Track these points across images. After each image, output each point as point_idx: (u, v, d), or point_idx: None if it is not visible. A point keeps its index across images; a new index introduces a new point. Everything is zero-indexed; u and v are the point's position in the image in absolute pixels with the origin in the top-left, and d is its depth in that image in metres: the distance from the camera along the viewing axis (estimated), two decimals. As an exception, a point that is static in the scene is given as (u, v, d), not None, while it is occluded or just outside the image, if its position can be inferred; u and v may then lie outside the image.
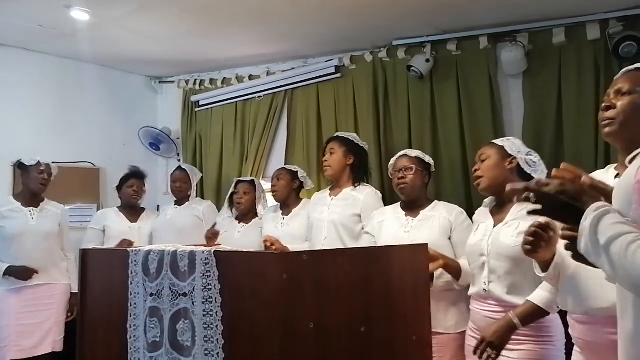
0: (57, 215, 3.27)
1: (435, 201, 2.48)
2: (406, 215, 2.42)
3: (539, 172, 2.04)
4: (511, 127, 3.04)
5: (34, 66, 3.87)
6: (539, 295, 1.76)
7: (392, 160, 2.53)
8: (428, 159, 2.50)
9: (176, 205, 3.55)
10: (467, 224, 2.31)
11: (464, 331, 2.17)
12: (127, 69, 4.40)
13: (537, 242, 1.49)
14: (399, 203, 2.52)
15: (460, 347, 2.18)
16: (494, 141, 2.14)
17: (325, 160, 2.84)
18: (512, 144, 2.08)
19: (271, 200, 3.39)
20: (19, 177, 3.37)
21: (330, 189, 2.90)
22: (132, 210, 3.52)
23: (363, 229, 2.68)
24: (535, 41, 2.97)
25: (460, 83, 3.16)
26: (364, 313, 1.36)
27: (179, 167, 3.62)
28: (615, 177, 1.50)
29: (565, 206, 1.01)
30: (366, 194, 2.74)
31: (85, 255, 1.94)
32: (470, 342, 2.01)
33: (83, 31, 3.38)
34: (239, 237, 3.14)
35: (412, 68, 3.20)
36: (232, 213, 3.36)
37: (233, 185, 3.36)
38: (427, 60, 3.18)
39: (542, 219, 1.46)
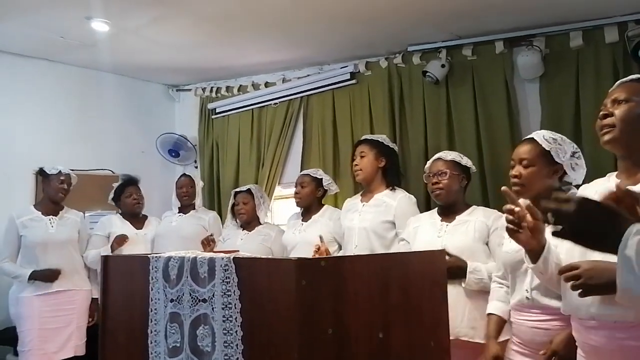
0: (77, 223, 3.33)
1: (474, 206, 2.39)
2: (442, 220, 2.35)
3: (580, 174, 1.88)
4: (528, 132, 2.97)
5: (55, 76, 3.96)
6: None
7: (428, 164, 2.45)
8: (465, 161, 2.39)
9: (181, 213, 3.56)
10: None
11: (504, 340, 2.02)
12: (145, 78, 4.48)
13: (517, 223, 1.46)
14: (436, 209, 2.45)
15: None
16: (536, 139, 1.87)
17: (357, 165, 2.76)
18: (559, 147, 1.83)
19: (285, 205, 3.39)
20: (40, 185, 3.44)
21: (361, 195, 2.84)
22: (136, 218, 3.54)
23: (397, 235, 2.61)
24: (552, 45, 2.96)
25: (476, 88, 3.15)
26: (382, 319, 1.36)
27: (183, 174, 3.66)
28: None
29: (587, 228, 0.89)
30: (399, 200, 2.66)
31: (106, 261, 1.97)
32: (514, 357, 1.88)
33: (103, 42, 3.46)
34: (241, 244, 3.13)
35: (428, 74, 3.20)
36: (236, 223, 3.36)
37: (232, 196, 3.36)
38: (443, 66, 3.18)
39: (517, 207, 1.46)
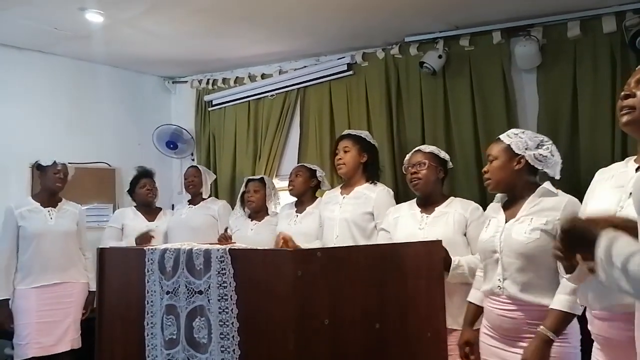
0: (75, 215, 3.32)
1: (451, 197, 2.46)
2: (421, 212, 2.41)
3: (552, 164, 1.96)
4: (525, 122, 3.01)
5: (49, 68, 3.93)
6: (562, 300, 1.71)
7: (407, 157, 2.52)
8: (443, 154, 2.47)
9: (190, 205, 3.59)
10: (482, 219, 2.25)
11: (478, 328, 2.14)
12: (140, 70, 4.44)
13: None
14: (414, 200, 2.51)
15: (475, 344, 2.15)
16: (501, 137, 2.04)
17: (340, 159, 2.81)
18: (520, 140, 1.97)
19: (284, 196, 3.40)
20: (37, 178, 3.42)
21: (341, 187, 2.90)
22: (150, 210, 3.58)
23: (376, 227, 2.68)
24: (549, 35, 2.94)
25: (474, 79, 3.14)
26: (378, 309, 1.37)
27: (192, 166, 3.70)
28: (637, 169, 1.47)
29: (582, 242, 1.00)
30: (378, 192, 2.73)
31: (102, 254, 1.97)
32: (485, 340, 1.99)
33: (97, 33, 3.42)
34: (252, 235, 3.16)
35: (425, 64, 3.19)
36: (244, 212, 3.38)
37: (244, 184, 3.39)
38: (440, 56, 3.16)
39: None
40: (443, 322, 1.56)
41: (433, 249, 1.64)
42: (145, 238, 3.24)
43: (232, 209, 3.61)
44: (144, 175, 3.58)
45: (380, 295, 1.38)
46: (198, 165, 3.69)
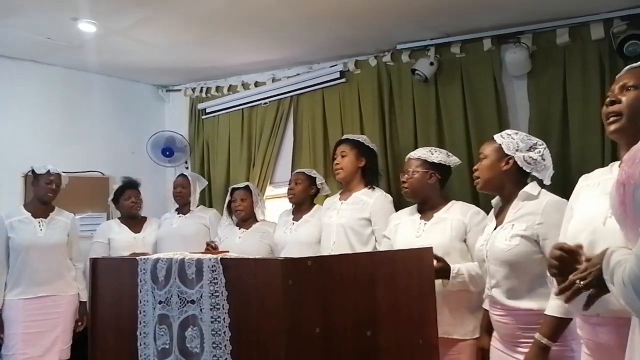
0: (67, 225, 3.30)
1: (452, 201, 2.41)
2: (421, 218, 2.38)
3: (542, 168, 1.95)
4: (517, 128, 3.00)
5: (42, 78, 3.93)
6: (555, 306, 1.69)
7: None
8: (436, 157, 2.40)
9: (180, 214, 3.57)
10: (483, 224, 2.20)
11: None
12: (134, 78, 4.45)
13: (562, 268, 1.34)
14: (415, 205, 2.48)
15: (478, 353, 2.17)
16: (495, 137, 2.05)
17: (337, 164, 2.80)
18: (511, 141, 1.97)
19: (275, 204, 3.39)
20: (29, 187, 3.41)
21: (340, 193, 2.89)
22: (134, 221, 3.54)
23: (373, 232, 2.67)
24: (539, 42, 2.97)
25: (465, 85, 3.16)
26: (369, 317, 1.37)
27: (181, 174, 3.67)
28: None
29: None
30: (376, 198, 2.72)
31: (95, 265, 1.96)
32: (494, 344, 1.99)
33: (90, 42, 3.43)
34: (239, 243, 3.14)
35: (417, 71, 3.21)
36: (232, 220, 3.36)
37: (229, 193, 3.36)
38: (431, 64, 3.19)
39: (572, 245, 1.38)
40: (435, 329, 1.57)
41: (424, 256, 1.65)
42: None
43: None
44: (129, 186, 3.54)
45: (371, 303, 1.38)
46: (187, 174, 3.65)
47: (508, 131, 2.05)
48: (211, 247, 3.01)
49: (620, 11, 2.69)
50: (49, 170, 3.19)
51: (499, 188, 2.00)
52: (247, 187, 3.32)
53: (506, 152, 1.96)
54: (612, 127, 1.42)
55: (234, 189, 3.35)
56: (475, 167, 2.07)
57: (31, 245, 3.10)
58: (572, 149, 2.82)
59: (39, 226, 3.17)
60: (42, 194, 3.20)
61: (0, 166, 3.63)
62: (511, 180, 1.97)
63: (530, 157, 1.95)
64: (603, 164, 2.56)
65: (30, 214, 3.19)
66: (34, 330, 3.07)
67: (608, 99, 1.44)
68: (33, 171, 3.22)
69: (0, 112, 3.71)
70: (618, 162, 1.53)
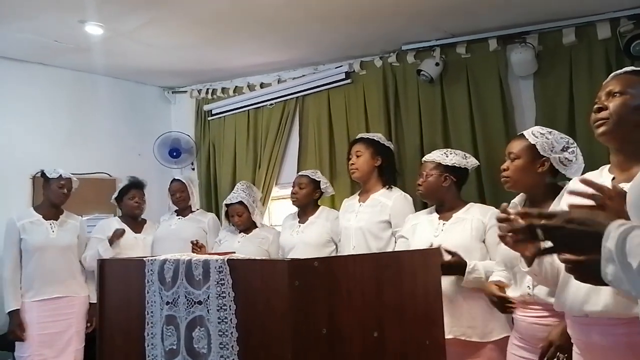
0: (76, 228, 3.32)
1: (471, 202, 2.41)
2: (439, 218, 2.37)
3: (576, 169, 1.89)
4: (523, 128, 2.96)
5: (50, 80, 3.96)
6: None
7: None
8: (450, 159, 2.37)
9: (180, 217, 3.56)
10: None
11: (503, 338, 2.09)
12: (140, 80, 4.48)
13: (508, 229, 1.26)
14: (433, 206, 2.47)
15: (499, 357, 2.10)
16: (525, 134, 1.93)
17: (353, 163, 2.77)
18: (546, 141, 1.87)
19: (278, 205, 3.38)
20: (38, 189, 3.43)
21: (359, 194, 2.86)
22: (135, 222, 3.54)
23: (393, 234, 2.64)
24: (545, 42, 2.97)
25: (471, 86, 3.16)
26: (376, 318, 1.37)
27: (174, 179, 3.62)
28: (613, 179, 1.46)
29: (579, 236, 0.85)
30: (395, 199, 2.68)
31: (102, 266, 1.97)
32: (514, 351, 1.90)
33: (97, 45, 3.46)
34: (238, 247, 3.11)
35: (422, 72, 3.21)
36: (233, 227, 3.30)
37: (224, 211, 3.28)
38: (437, 64, 3.19)
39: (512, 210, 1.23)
40: (441, 330, 1.56)
41: (431, 256, 1.65)
42: (116, 235, 3.30)
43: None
44: (134, 186, 3.52)
45: (378, 303, 1.38)
46: (182, 179, 3.60)
47: (539, 129, 1.94)
48: (197, 247, 3.00)
49: (627, 10, 2.69)
50: (60, 175, 3.20)
51: (532, 188, 1.92)
52: (240, 203, 3.17)
53: (541, 153, 1.87)
54: (600, 130, 1.46)
55: (228, 205, 3.23)
56: (504, 167, 1.95)
57: (45, 247, 3.12)
58: (579, 148, 2.80)
59: (51, 228, 3.20)
60: (54, 197, 3.21)
61: (8, 167, 3.66)
62: (544, 180, 1.90)
63: (566, 157, 1.88)
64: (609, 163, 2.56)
65: (41, 216, 3.21)
66: (49, 331, 3.09)
67: (595, 106, 1.48)
68: (44, 174, 3.23)
69: (8, 114, 3.74)
70: (608, 166, 1.54)
